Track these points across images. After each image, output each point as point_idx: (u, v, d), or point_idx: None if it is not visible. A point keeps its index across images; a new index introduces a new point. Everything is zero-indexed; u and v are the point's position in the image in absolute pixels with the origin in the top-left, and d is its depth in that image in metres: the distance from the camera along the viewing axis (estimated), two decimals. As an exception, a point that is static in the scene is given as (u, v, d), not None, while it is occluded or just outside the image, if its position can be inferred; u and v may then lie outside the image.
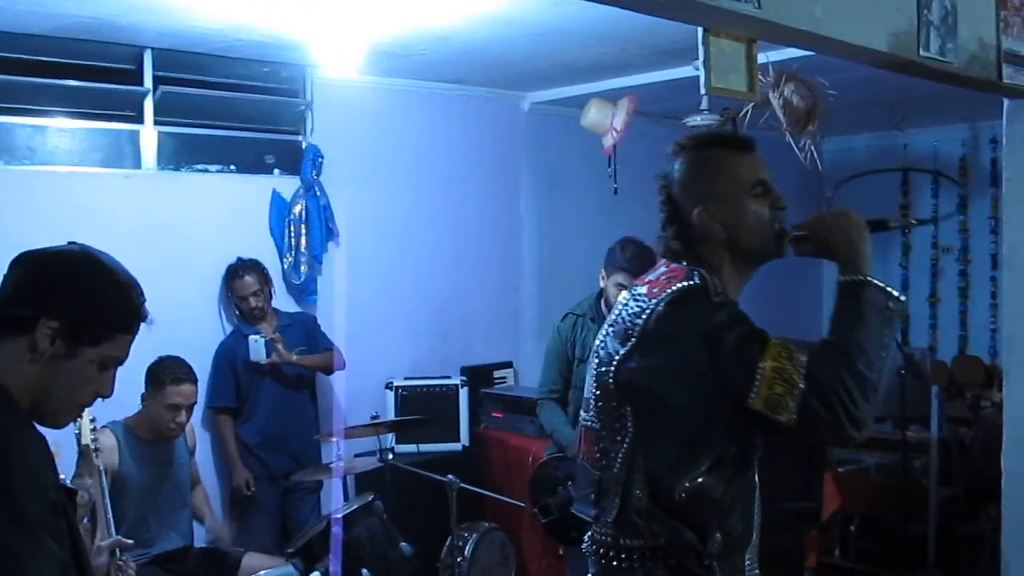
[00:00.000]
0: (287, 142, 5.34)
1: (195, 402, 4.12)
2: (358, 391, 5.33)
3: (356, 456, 4.85)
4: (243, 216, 5.16)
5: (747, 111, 3.75)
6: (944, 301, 7.67)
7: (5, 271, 1.66)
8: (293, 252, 5.23)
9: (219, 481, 4.96)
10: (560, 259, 6.46)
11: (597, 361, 2.24)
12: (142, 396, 4.01)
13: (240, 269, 4.91)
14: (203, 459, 4.70)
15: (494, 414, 5.69)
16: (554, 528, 4.27)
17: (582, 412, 2.33)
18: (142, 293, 1.71)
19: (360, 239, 5.49)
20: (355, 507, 4.07)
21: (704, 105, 3.65)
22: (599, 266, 4.38)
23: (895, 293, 2.08)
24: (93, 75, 4.64)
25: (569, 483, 4.13)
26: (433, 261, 5.89)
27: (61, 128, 4.64)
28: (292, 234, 5.22)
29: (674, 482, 2.09)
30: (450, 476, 4.35)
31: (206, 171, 5.05)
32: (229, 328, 5.05)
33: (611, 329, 2.22)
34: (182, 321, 4.75)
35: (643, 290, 2.19)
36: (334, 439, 4.48)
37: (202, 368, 4.41)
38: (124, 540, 3.06)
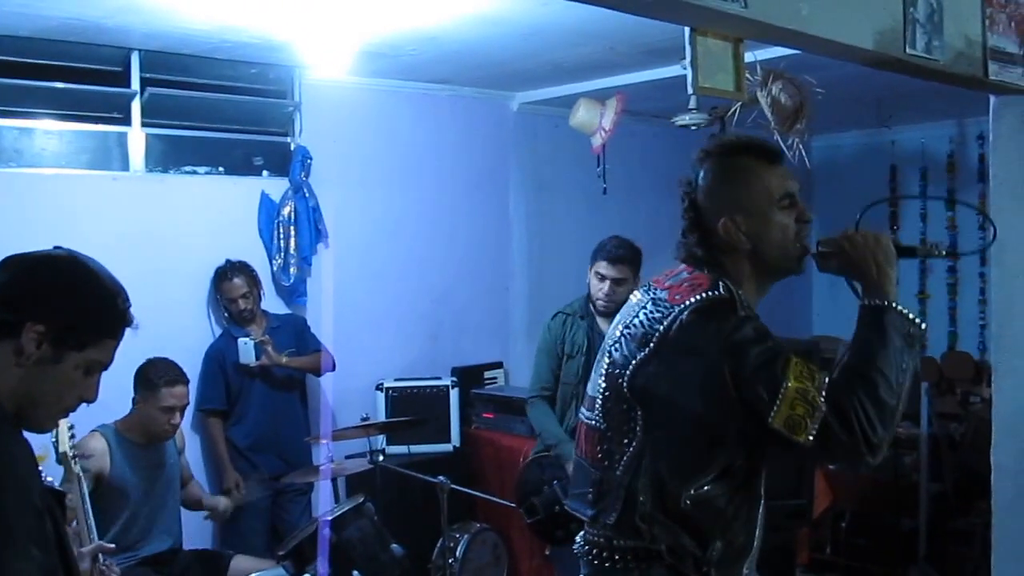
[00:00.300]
0: (275, 143, 5.33)
1: (188, 403, 4.12)
2: (348, 392, 5.33)
3: (347, 458, 4.84)
4: (232, 218, 5.15)
5: (735, 110, 3.76)
6: (933, 298, 7.69)
7: None
8: (282, 254, 5.22)
9: (209, 483, 4.94)
10: (550, 259, 6.46)
11: (609, 362, 2.21)
12: (134, 400, 4.00)
13: (229, 271, 4.90)
14: (193, 462, 4.68)
15: (484, 415, 5.70)
16: (540, 528, 4.28)
17: (584, 410, 2.30)
18: (128, 299, 1.71)
19: (349, 240, 5.48)
20: (346, 508, 4.06)
21: (692, 104, 3.65)
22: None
23: (917, 320, 2.06)
24: (80, 77, 4.63)
25: (555, 482, 4.13)
26: (423, 262, 5.88)
27: (48, 130, 4.63)
28: (281, 236, 5.21)
29: (680, 489, 2.08)
30: (441, 477, 4.35)
31: (194, 173, 5.05)
32: (218, 330, 5.04)
33: (627, 331, 2.17)
34: (171, 323, 4.74)
35: (664, 295, 2.15)
36: (324, 441, 4.48)
37: (191, 370, 4.40)
38: (106, 545, 3.05)
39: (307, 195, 5.28)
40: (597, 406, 2.23)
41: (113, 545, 3.20)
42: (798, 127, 3.84)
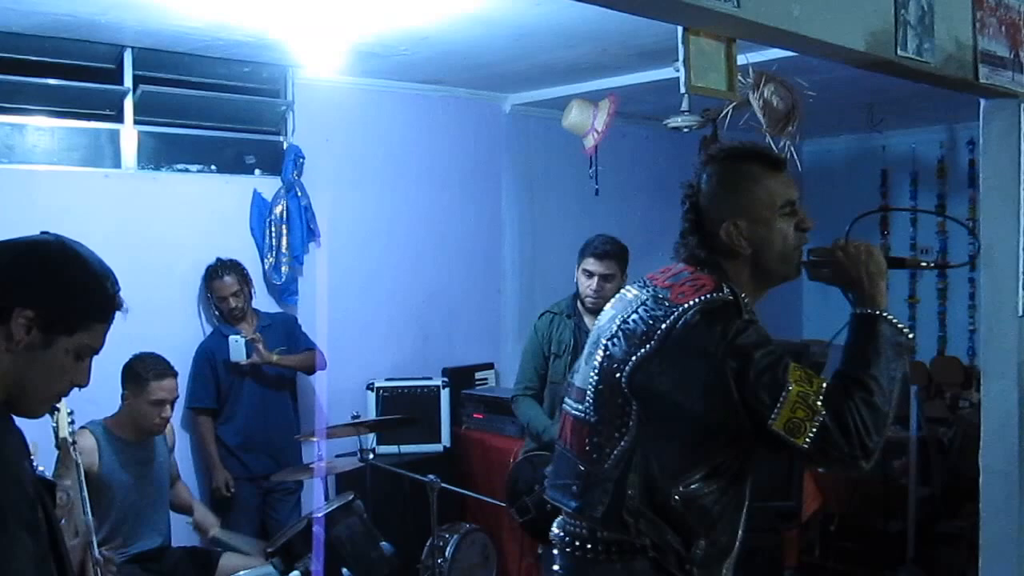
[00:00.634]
0: (268, 142, 5.33)
1: (177, 396, 4.11)
2: (339, 392, 5.33)
3: (337, 457, 4.84)
4: (224, 216, 5.14)
5: (727, 112, 3.77)
6: (923, 302, 7.73)
7: None
8: (274, 252, 5.22)
9: (199, 482, 4.94)
10: (542, 260, 6.47)
11: (605, 355, 2.21)
12: (123, 395, 3.99)
13: (219, 269, 4.89)
14: (183, 460, 4.68)
15: (475, 415, 5.70)
16: (532, 527, 4.27)
17: (573, 402, 2.31)
18: (116, 282, 1.70)
19: (341, 240, 5.48)
20: (335, 506, 4.06)
21: (685, 106, 3.67)
22: (579, 267, 4.40)
23: (906, 330, 2.11)
24: (73, 74, 4.62)
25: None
26: (415, 262, 5.89)
27: (40, 127, 4.62)
28: (273, 234, 5.21)
29: (670, 486, 2.11)
30: (431, 476, 4.35)
31: (186, 171, 5.04)
32: (209, 329, 5.03)
33: (625, 327, 2.18)
34: (162, 321, 4.73)
35: (665, 293, 2.16)
36: (315, 439, 4.47)
37: (182, 368, 4.39)
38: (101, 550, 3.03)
39: (299, 194, 5.28)
40: (588, 399, 2.23)
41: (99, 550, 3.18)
42: (789, 130, 3.86)
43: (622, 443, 2.15)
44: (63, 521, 3.15)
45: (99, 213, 4.65)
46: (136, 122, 4.85)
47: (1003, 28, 3.40)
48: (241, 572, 3.96)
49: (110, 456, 3.91)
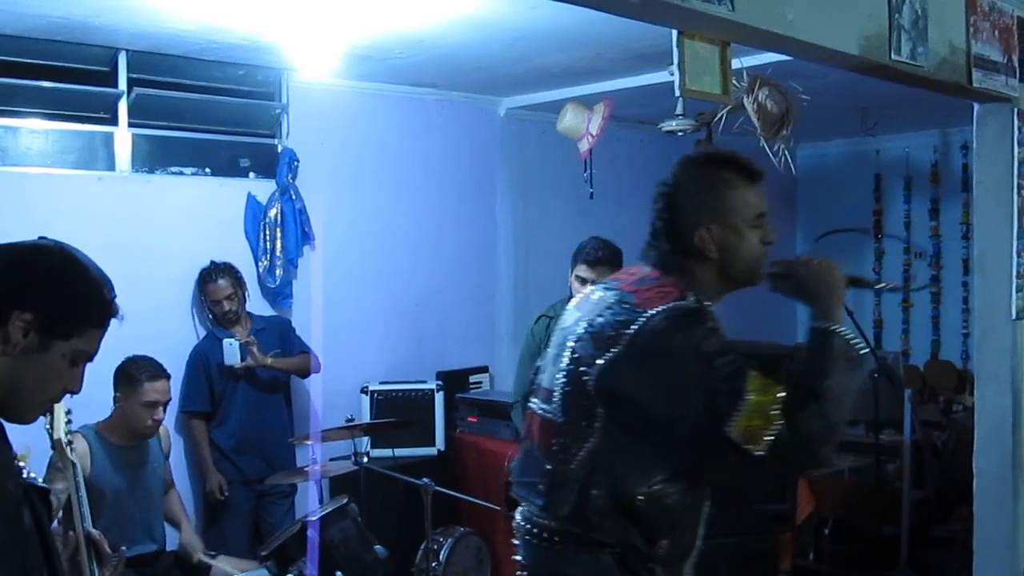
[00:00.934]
0: (263, 145, 5.33)
1: (171, 399, 4.09)
2: (333, 395, 5.32)
3: (331, 460, 4.83)
4: (218, 219, 5.13)
5: (721, 115, 3.78)
6: (916, 306, 7.75)
7: None
8: (268, 256, 5.21)
9: (192, 485, 4.93)
10: (536, 264, 6.47)
11: (571, 358, 2.25)
12: (115, 398, 3.98)
13: (213, 272, 4.89)
14: (176, 463, 4.66)
15: (469, 419, 5.69)
16: None
17: (539, 402, 2.35)
18: (113, 288, 1.71)
19: (336, 243, 5.48)
20: (329, 509, 4.05)
21: (679, 110, 3.68)
22: (574, 271, 4.39)
23: (858, 344, 2.18)
24: (67, 76, 4.61)
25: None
26: (409, 266, 5.89)
27: (34, 129, 4.61)
28: (267, 238, 5.21)
29: (634, 486, 2.17)
30: (425, 479, 4.35)
31: (181, 174, 5.04)
32: (203, 332, 5.02)
33: (591, 329, 2.22)
34: (155, 324, 4.72)
35: (632, 297, 2.20)
36: (309, 442, 4.47)
37: (175, 372, 4.38)
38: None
39: (294, 197, 5.28)
40: (555, 399, 2.28)
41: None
42: (784, 133, 3.87)
43: (588, 444, 2.19)
44: (56, 524, 3.14)
45: (93, 216, 4.64)
46: (130, 125, 4.83)
47: (996, 32, 3.42)
48: (235, 576, 3.95)
49: (102, 460, 3.89)
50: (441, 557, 4.70)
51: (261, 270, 5.23)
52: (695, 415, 2.09)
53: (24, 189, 4.49)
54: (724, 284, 2.29)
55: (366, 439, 5.00)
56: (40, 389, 1.64)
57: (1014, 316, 3.80)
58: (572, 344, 2.26)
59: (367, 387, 5.46)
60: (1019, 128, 3.68)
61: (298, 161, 5.30)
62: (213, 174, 5.14)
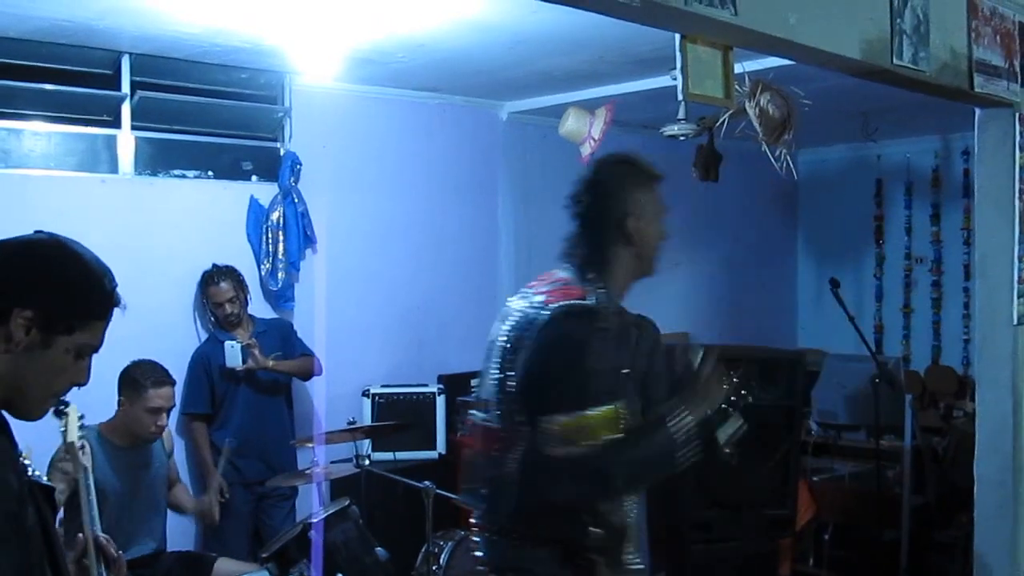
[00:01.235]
0: (265, 148, 5.33)
1: (174, 404, 4.09)
2: (335, 398, 5.32)
3: (332, 463, 4.82)
4: (220, 222, 5.14)
5: (723, 120, 3.79)
6: (917, 311, 7.74)
7: None
8: (270, 259, 5.22)
9: (193, 487, 4.93)
10: (537, 268, 6.36)
11: (498, 365, 2.43)
12: (119, 402, 3.97)
13: (215, 275, 4.89)
14: (178, 465, 4.66)
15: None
16: None
17: (479, 412, 2.52)
18: (114, 279, 1.68)
19: (338, 246, 5.48)
20: (331, 512, 4.06)
21: (681, 114, 3.68)
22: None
23: (679, 454, 2.32)
24: (70, 79, 4.62)
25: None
26: (411, 269, 5.89)
27: (37, 132, 4.62)
28: (269, 241, 5.22)
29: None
30: (426, 482, 4.34)
31: (183, 177, 5.05)
32: (204, 334, 5.03)
33: (511, 334, 2.43)
34: (157, 327, 4.73)
35: (540, 299, 2.41)
36: (310, 445, 4.47)
37: (177, 374, 4.37)
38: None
39: (296, 200, 5.29)
40: (491, 408, 2.45)
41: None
42: (785, 138, 3.87)
43: (520, 446, 2.34)
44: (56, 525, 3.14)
45: (96, 218, 4.65)
46: (133, 128, 4.85)
47: (998, 38, 3.43)
48: (236, 578, 3.95)
49: (103, 462, 3.88)
50: (441, 560, 4.68)
51: (263, 273, 5.23)
52: (541, 393, 2.28)
53: (27, 191, 4.50)
54: (637, 271, 2.51)
55: (367, 442, 5.00)
56: (45, 385, 1.62)
57: (1015, 321, 3.80)
58: (498, 357, 2.44)
59: (368, 390, 5.46)
60: (1020, 133, 3.68)
61: (300, 164, 5.31)
62: (216, 177, 5.15)
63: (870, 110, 6.14)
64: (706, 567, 4.76)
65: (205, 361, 4.85)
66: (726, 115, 3.69)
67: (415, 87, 5.71)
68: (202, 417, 4.86)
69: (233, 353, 4.73)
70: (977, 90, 3.37)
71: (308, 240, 5.37)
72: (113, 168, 4.82)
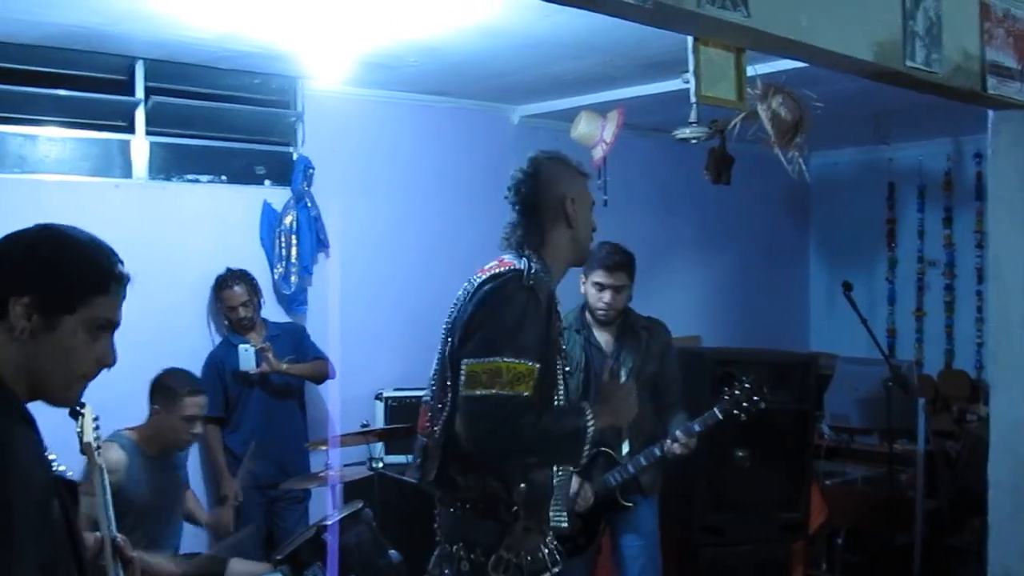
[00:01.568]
0: (278, 153, 5.36)
1: (206, 413, 4.10)
2: (347, 402, 5.33)
3: (345, 466, 4.83)
4: (233, 227, 5.17)
5: (735, 123, 3.78)
6: (929, 315, 7.71)
7: None
8: (283, 262, 5.24)
9: (207, 491, 4.95)
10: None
11: (444, 345, 2.61)
12: (153, 409, 3.94)
13: (229, 279, 4.91)
14: (191, 468, 4.67)
15: (482, 425, 5.68)
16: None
17: (425, 392, 2.71)
18: (113, 253, 1.69)
19: (350, 250, 5.49)
20: (344, 514, 4.06)
21: (693, 117, 3.68)
22: (587, 278, 4.38)
23: (584, 452, 2.50)
24: (85, 85, 4.66)
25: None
26: (423, 273, 5.89)
27: (52, 137, 4.66)
28: (282, 245, 5.24)
29: None
30: (439, 486, 4.34)
31: (197, 181, 5.07)
32: (218, 338, 5.05)
33: (451, 312, 2.63)
34: (171, 330, 4.75)
35: (478, 277, 2.61)
36: (324, 448, 4.48)
37: (190, 378, 4.40)
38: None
39: (309, 205, 5.31)
40: (430, 384, 2.66)
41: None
42: (797, 141, 3.86)
43: (444, 412, 2.52)
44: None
45: (110, 223, 4.58)
46: (147, 133, 4.88)
47: (1011, 39, 3.42)
48: (250, 579, 3.95)
49: (136, 470, 3.84)
50: (454, 564, 4.69)
51: (276, 277, 5.25)
52: (468, 340, 2.44)
53: (41, 196, 4.53)
54: (572, 255, 2.70)
55: (380, 445, 5.00)
56: (63, 367, 1.62)
57: (1029, 324, 3.79)
58: (444, 335, 2.63)
59: (381, 393, 5.47)
60: (1033, 135, 3.68)
61: (313, 169, 5.33)
62: (229, 181, 5.18)
63: (882, 113, 6.13)
64: (717, 571, 4.75)
65: (219, 365, 4.87)
66: (738, 118, 3.69)
67: (427, 91, 5.73)
68: (215, 420, 4.86)
69: (246, 357, 4.75)
70: (990, 92, 3.36)
71: (321, 244, 5.39)
72: (127, 173, 4.85)
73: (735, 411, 3.88)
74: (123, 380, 3.87)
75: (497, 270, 2.56)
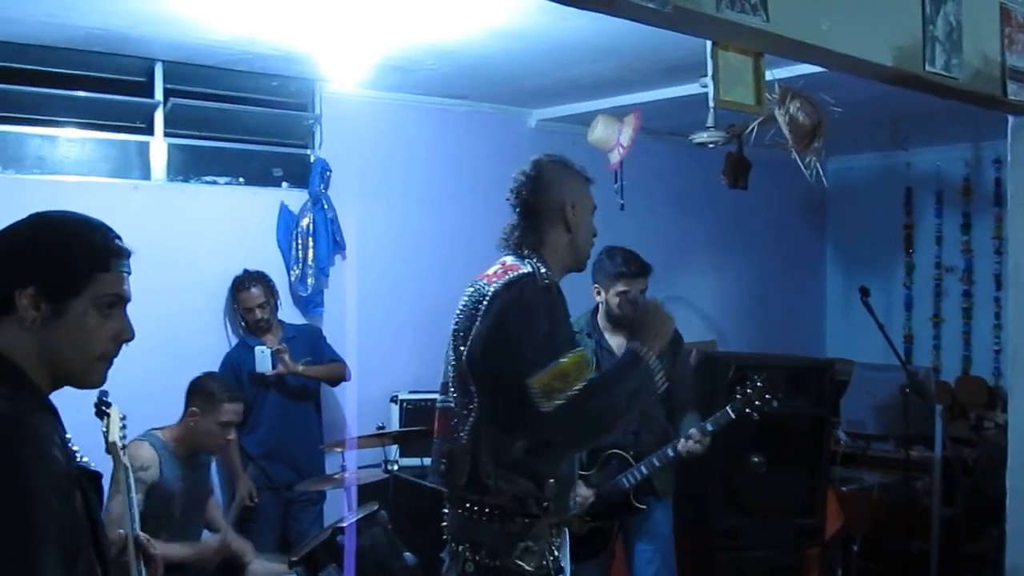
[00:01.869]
0: (295, 155, 5.38)
1: (241, 420, 4.14)
2: (363, 404, 5.33)
3: (360, 468, 4.83)
4: (250, 228, 5.19)
5: (753, 127, 3.78)
6: (947, 321, 7.67)
7: None
8: (300, 264, 5.26)
9: (222, 492, 4.96)
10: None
11: (454, 350, 2.66)
12: (192, 412, 3.94)
13: (246, 281, 4.93)
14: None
15: (497, 428, 5.68)
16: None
17: (439, 396, 2.77)
18: (108, 229, 1.70)
19: (367, 252, 5.50)
20: (359, 516, 4.07)
21: (710, 121, 3.68)
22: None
23: (660, 378, 2.53)
24: (104, 87, 4.69)
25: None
26: (439, 275, 5.89)
27: (71, 138, 4.69)
28: (299, 246, 5.25)
29: (512, 443, 2.50)
30: (454, 488, 4.34)
31: (215, 183, 5.10)
32: (234, 339, 5.07)
33: (460, 317, 2.66)
34: (188, 332, 4.77)
35: (484, 282, 2.63)
36: (339, 450, 4.48)
37: (207, 379, 4.41)
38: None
39: (326, 207, 5.32)
40: (449, 390, 2.69)
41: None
42: (815, 146, 3.86)
43: (471, 418, 2.55)
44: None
45: (128, 224, 4.57)
46: (166, 134, 4.91)
47: (1031, 45, 3.40)
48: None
49: (169, 470, 3.84)
50: (468, 566, 4.69)
51: (293, 279, 5.27)
52: (510, 360, 2.44)
53: (61, 197, 4.52)
54: (570, 260, 2.73)
55: (395, 447, 5.01)
56: (80, 350, 1.63)
57: (1048, 331, 3.76)
58: (452, 339, 2.69)
59: (397, 396, 5.48)
60: (1054, 141, 3.65)
61: (330, 171, 5.34)
62: (246, 183, 5.20)
63: (900, 118, 6.11)
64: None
65: (235, 366, 4.88)
66: (755, 122, 3.69)
67: (444, 94, 5.74)
68: (232, 422, 4.88)
69: (263, 358, 4.76)
70: (1011, 97, 3.34)
71: (337, 246, 5.40)
72: (146, 174, 4.88)
73: (747, 410, 3.87)
74: (140, 380, 3.95)
75: (506, 277, 2.58)
